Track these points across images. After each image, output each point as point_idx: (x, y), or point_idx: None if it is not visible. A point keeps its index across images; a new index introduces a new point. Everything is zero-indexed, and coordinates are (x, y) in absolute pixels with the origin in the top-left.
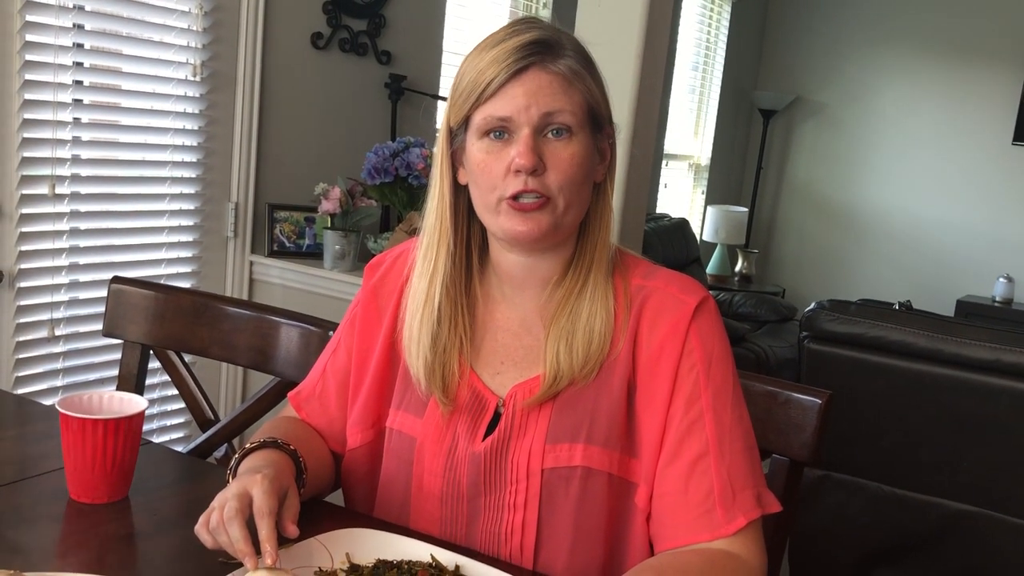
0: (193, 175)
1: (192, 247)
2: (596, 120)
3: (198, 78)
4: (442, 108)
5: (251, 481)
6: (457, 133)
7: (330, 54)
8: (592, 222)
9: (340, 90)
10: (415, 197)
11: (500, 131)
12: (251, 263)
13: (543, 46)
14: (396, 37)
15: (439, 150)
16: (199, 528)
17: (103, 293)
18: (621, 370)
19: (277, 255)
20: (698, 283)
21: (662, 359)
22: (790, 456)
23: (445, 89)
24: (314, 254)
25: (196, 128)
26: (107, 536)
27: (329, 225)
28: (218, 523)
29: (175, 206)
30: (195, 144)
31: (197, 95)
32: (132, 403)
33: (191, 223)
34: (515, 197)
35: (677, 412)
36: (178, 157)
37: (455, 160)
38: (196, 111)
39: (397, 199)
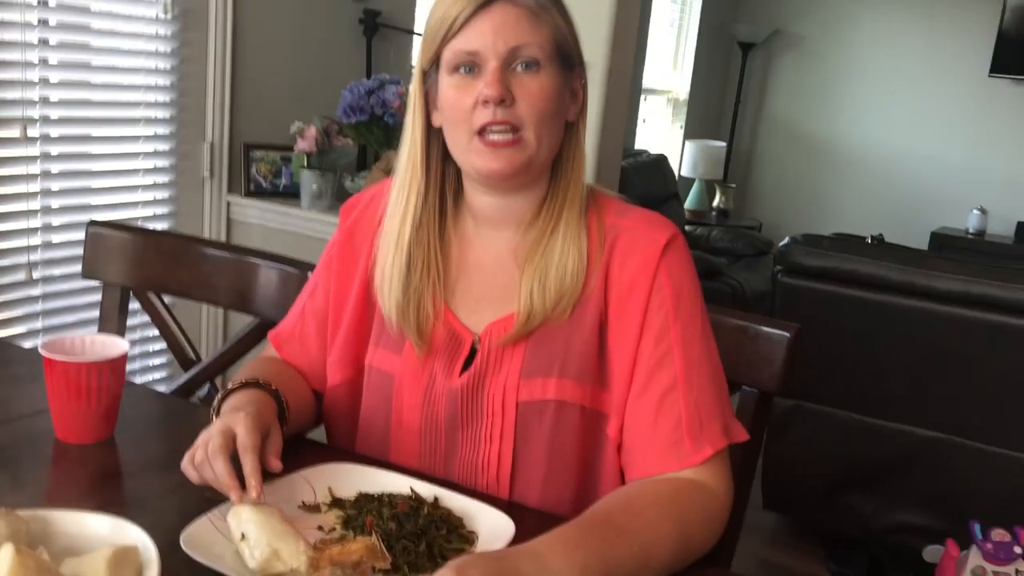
0: (167, 115)
1: (168, 188)
2: (565, 57)
3: (169, 16)
4: (417, 44)
5: (234, 419)
6: (429, 73)
7: None
8: (565, 162)
9: (314, 27)
10: (391, 135)
11: (469, 66)
12: (228, 203)
13: None
14: None
15: (412, 92)
16: (185, 465)
17: (79, 236)
18: (593, 307)
19: (254, 195)
20: (668, 221)
21: (632, 295)
22: (760, 388)
23: (420, 25)
24: (291, 193)
25: (168, 67)
26: (95, 475)
27: (305, 164)
28: (203, 459)
29: (150, 147)
30: (168, 83)
31: (168, 33)
32: (115, 345)
33: (166, 164)
34: (484, 130)
35: (647, 347)
36: (151, 97)
37: (428, 102)
38: (168, 50)
39: (373, 138)
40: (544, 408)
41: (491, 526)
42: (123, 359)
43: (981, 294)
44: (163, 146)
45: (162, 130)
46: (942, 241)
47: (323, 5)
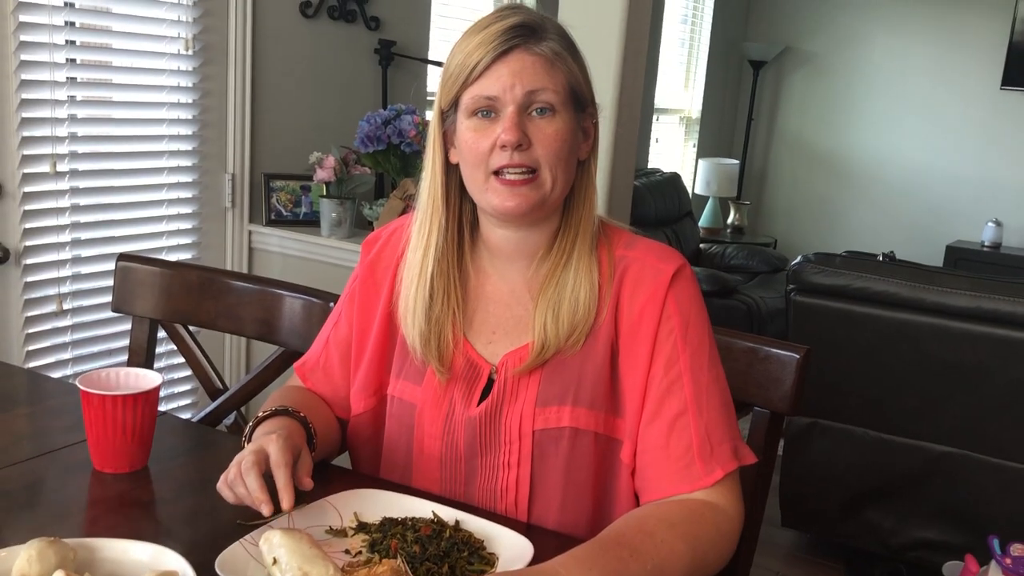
0: (189, 148)
1: (191, 219)
2: (578, 100)
3: (190, 52)
4: (431, 72)
5: (266, 440)
6: (448, 114)
7: (319, 22)
8: (577, 197)
9: (331, 58)
10: (408, 164)
11: (487, 110)
12: (250, 232)
13: (527, 29)
14: (384, 3)
15: (432, 130)
16: (220, 485)
17: (107, 267)
18: (605, 336)
19: (275, 224)
20: (676, 252)
21: (642, 325)
22: (771, 408)
23: (435, 53)
24: (311, 222)
25: (190, 101)
26: (131, 503)
27: (325, 193)
28: (236, 476)
29: (173, 179)
30: (190, 117)
31: (190, 68)
32: (148, 378)
33: (189, 195)
34: (501, 171)
35: (657, 374)
36: (174, 131)
37: (447, 140)
38: (189, 84)
39: (390, 166)
40: (559, 435)
41: (511, 548)
42: (156, 391)
43: (992, 309)
44: (186, 178)
45: (185, 162)
46: (958, 255)
47: (339, 36)
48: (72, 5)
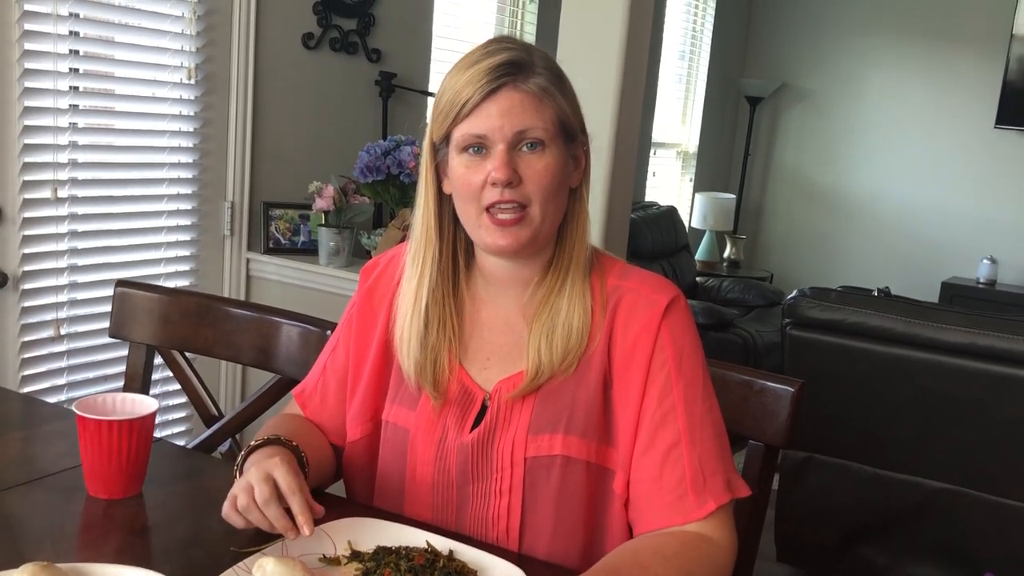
0: (189, 175)
1: (190, 246)
2: (568, 132)
3: (192, 81)
4: (431, 105)
5: (271, 465)
6: (440, 147)
7: (321, 53)
8: (569, 225)
9: (332, 89)
10: (406, 194)
11: (478, 147)
12: (248, 260)
13: (515, 67)
14: (386, 35)
15: (424, 162)
16: (228, 512)
17: (105, 293)
18: (598, 365)
19: (273, 252)
20: (670, 283)
21: (635, 355)
22: (765, 441)
23: (434, 86)
24: (309, 250)
25: (192, 129)
26: (125, 529)
27: (323, 222)
28: (248, 504)
29: (172, 206)
30: (191, 145)
31: (192, 97)
32: (144, 404)
33: (188, 222)
34: (492, 207)
35: (651, 404)
36: (174, 158)
37: (439, 171)
38: (191, 113)
39: (389, 196)
40: (551, 463)
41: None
42: (152, 417)
43: (987, 346)
44: (185, 205)
45: (184, 189)
46: (953, 291)
47: (341, 68)
48: (77, 34)
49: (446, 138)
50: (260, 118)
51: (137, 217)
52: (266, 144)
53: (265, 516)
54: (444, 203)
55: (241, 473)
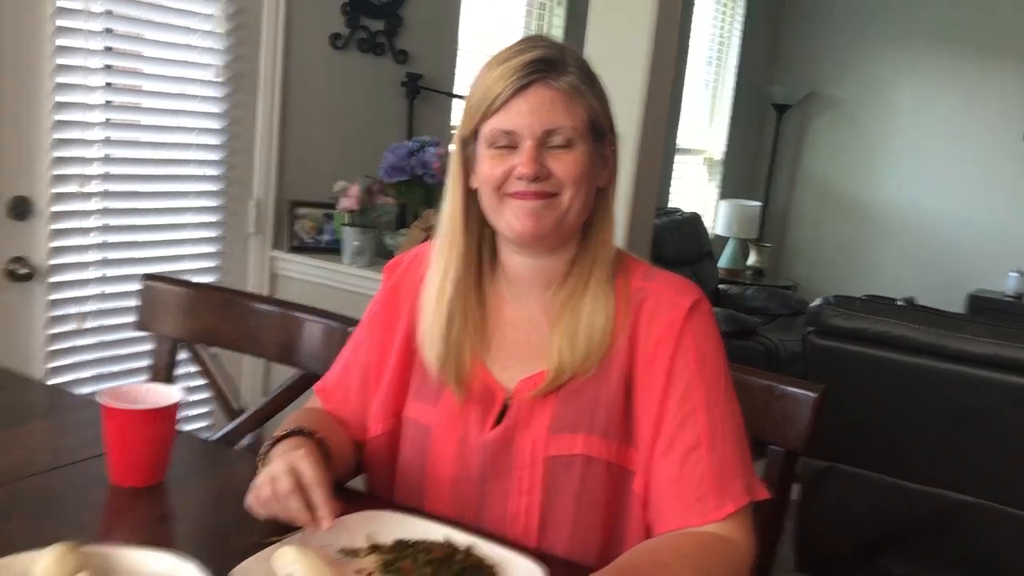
0: (216, 173)
1: (215, 243)
2: (597, 131)
3: (221, 79)
4: (456, 106)
5: (295, 457)
6: (469, 142)
7: (348, 54)
8: (595, 225)
9: (358, 89)
10: (431, 195)
11: (506, 142)
12: (272, 258)
13: (547, 64)
14: (413, 37)
15: (453, 158)
16: (252, 503)
17: (131, 287)
18: (620, 366)
19: (297, 250)
20: (694, 285)
21: (658, 357)
22: (786, 447)
23: (460, 87)
24: (333, 250)
25: (219, 128)
26: (146, 518)
27: (348, 222)
28: (270, 497)
29: (199, 203)
30: (218, 143)
31: (220, 95)
32: (168, 394)
33: (214, 219)
34: (518, 196)
35: (672, 406)
36: (202, 156)
37: (467, 167)
38: (219, 111)
39: (413, 196)
40: (572, 463)
41: (524, 574)
42: (176, 407)
43: (1012, 358)
44: (212, 202)
45: (211, 187)
46: (979, 303)
47: (367, 69)
48: (110, 31)
49: (475, 133)
50: (287, 117)
51: (164, 213)
52: (293, 143)
53: (287, 508)
54: (471, 200)
55: (265, 464)
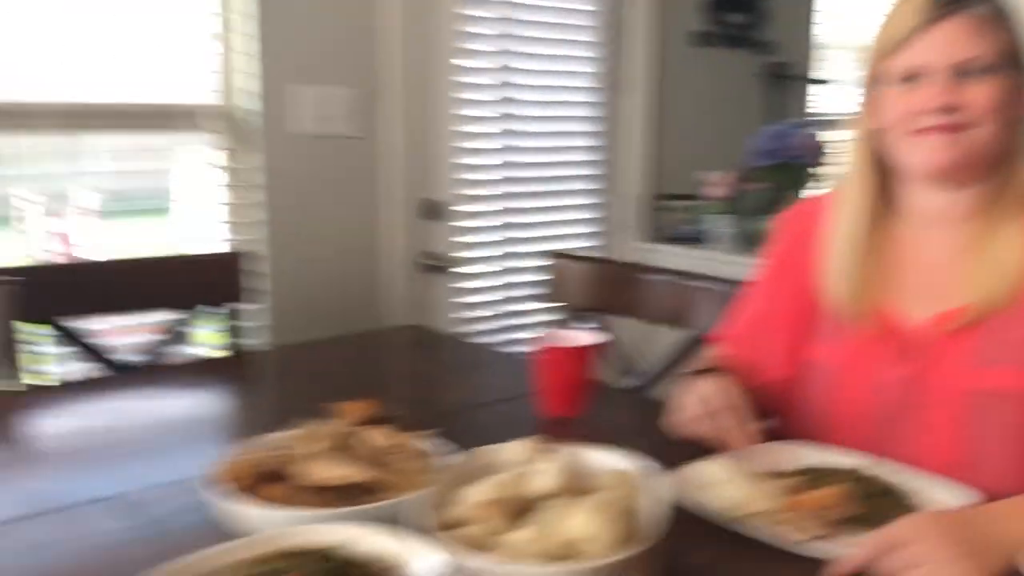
0: (593, 172)
1: (592, 238)
2: (1016, 60)
3: (598, 85)
4: (814, 92)
5: (724, 382)
6: (875, 81)
7: (710, 50)
8: (1011, 156)
9: (719, 83)
10: (800, 178)
11: (916, 76)
12: (643, 249)
13: None
14: (773, 27)
15: (859, 101)
16: (676, 422)
17: (524, 264)
18: None
19: (665, 241)
20: None
21: None
22: None
23: (820, 74)
24: (698, 239)
25: (597, 130)
26: (576, 440)
27: (715, 210)
28: (701, 414)
29: (578, 200)
30: (595, 145)
31: (596, 100)
32: (592, 337)
33: (590, 216)
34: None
35: None
36: (581, 157)
37: (872, 108)
38: (597, 115)
39: (784, 180)
40: (996, 398)
41: (945, 495)
42: (598, 347)
43: None
44: (588, 200)
45: (588, 185)
46: None
47: (727, 62)
48: (506, 51)
49: (883, 71)
50: (658, 116)
51: (548, 211)
52: (663, 140)
53: (718, 424)
54: (874, 141)
55: (686, 392)
